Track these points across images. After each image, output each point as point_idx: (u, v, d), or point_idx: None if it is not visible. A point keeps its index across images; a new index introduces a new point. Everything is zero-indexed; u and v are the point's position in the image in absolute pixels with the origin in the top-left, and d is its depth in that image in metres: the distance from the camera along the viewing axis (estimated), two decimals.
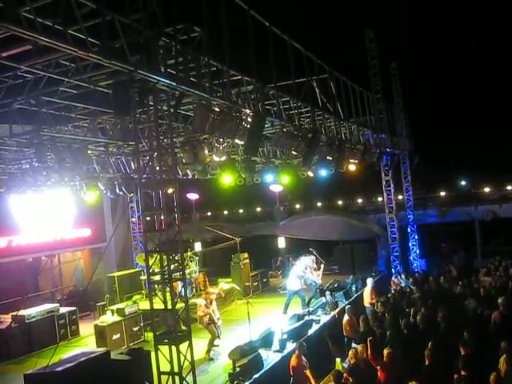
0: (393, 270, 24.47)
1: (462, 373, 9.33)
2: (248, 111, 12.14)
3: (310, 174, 18.77)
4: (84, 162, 15.16)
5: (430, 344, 10.51)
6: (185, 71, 9.92)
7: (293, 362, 11.63)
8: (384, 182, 24.99)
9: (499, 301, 13.45)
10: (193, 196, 29.43)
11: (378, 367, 10.34)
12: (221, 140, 13.86)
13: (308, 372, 11.63)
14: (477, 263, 26.47)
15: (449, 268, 23.35)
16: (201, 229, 31.71)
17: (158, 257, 10.00)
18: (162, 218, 10.18)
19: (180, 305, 10.32)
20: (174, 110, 10.61)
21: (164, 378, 9.72)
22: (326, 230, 29.85)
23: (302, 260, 19.46)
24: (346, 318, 15.09)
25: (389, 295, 18.00)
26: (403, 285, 20.78)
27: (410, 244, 26.81)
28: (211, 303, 15.17)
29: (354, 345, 13.24)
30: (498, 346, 10.15)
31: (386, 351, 10.51)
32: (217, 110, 10.98)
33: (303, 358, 11.70)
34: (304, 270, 18.90)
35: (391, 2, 39.73)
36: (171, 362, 9.60)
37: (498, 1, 38.13)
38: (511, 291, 16.15)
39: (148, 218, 10.93)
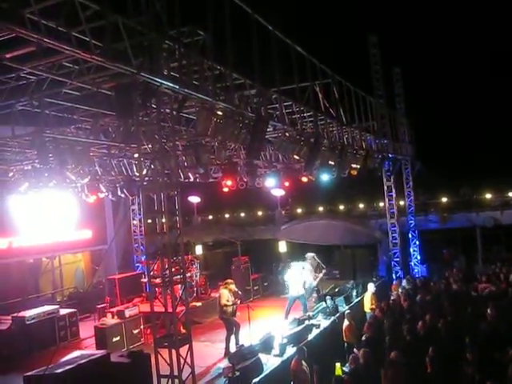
0: (394, 276, 24.43)
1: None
2: (251, 115, 12.15)
3: (312, 178, 18.75)
4: (86, 164, 15.18)
5: (431, 351, 10.46)
6: (188, 74, 9.93)
7: (293, 366, 11.58)
8: (386, 188, 24.96)
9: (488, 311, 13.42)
10: (194, 199, 29.43)
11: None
12: (223, 143, 13.86)
13: (308, 377, 11.57)
14: (478, 269, 26.40)
15: (451, 272, 23.30)
16: (202, 232, 31.73)
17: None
18: (164, 220, 10.18)
19: (180, 308, 10.31)
20: (176, 113, 10.63)
21: (164, 381, 9.70)
22: (327, 234, 29.79)
23: (298, 263, 19.46)
24: (345, 323, 15.05)
25: (390, 301, 17.94)
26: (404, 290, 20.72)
27: (411, 250, 26.79)
28: (233, 295, 15.38)
29: (355, 350, 13.21)
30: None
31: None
32: (219, 113, 11.00)
33: (303, 362, 11.66)
34: (301, 272, 18.93)
35: (395, 7, 39.79)
36: (171, 365, 9.59)
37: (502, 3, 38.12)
38: (511, 298, 16.09)
39: (149, 221, 10.93)
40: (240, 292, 17.64)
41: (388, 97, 23.47)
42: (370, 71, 22.96)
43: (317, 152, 15.04)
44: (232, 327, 15.23)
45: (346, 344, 14.82)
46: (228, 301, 15.26)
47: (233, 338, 15.27)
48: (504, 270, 21.69)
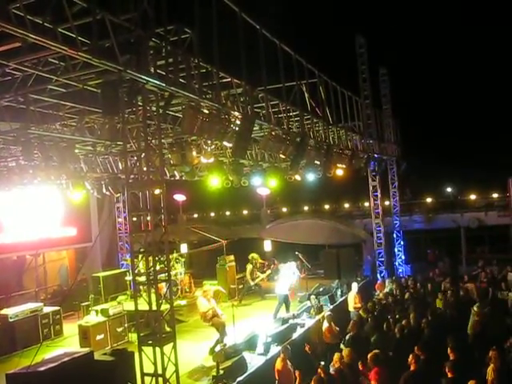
0: (378, 276, 24.55)
1: (449, 375, 9.35)
2: (237, 114, 12.16)
3: (298, 177, 18.78)
4: (71, 161, 15.10)
5: (415, 349, 10.53)
6: (174, 72, 9.91)
7: (278, 365, 11.58)
8: (371, 188, 25.07)
9: (474, 309, 13.51)
10: (180, 197, 29.39)
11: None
12: (209, 142, 13.85)
13: (296, 374, 11.52)
14: (462, 270, 26.62)
15: (434, 272, 23.45)
16: (187, 230, 31.66)
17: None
18: (149, 218, 10.16)
19: (165, 306, 10.29)
20: (162, 111, 10.59)
21: (147, 379, 9.67)
22: (312, 233, 29.87)
23: (290, 264, 19.40)
24: (325, 324, 15.08)
25: (374, 300, 18.02)
26: (388, 290, 20.84)
27: (396, 250, 26.93)
28: (210, 301, 15.16)
29: (342, 346, 13.27)
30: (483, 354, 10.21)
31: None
32: (206, 111, 10.98)
33: (288, 361, 11.67)
34: (292, 274, 18.89)
35: (382, 8, 39.93)
36: (155, 364, 9.57)
37: (491, 7, 38.46)
38: (492, 298, 16.24)
39: (134, 219, 10.89)
40: (224, 290, 17.59)
41: (374, 97, 23.56)
42: (357, 71, 23.03)
43: (303, 151, 15.06)
44: (218, 327, 15.08)
45: (326, 345, 14.88)
46: (205, 308, 15.10)
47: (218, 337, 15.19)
48: (487, 270, 21.90)
